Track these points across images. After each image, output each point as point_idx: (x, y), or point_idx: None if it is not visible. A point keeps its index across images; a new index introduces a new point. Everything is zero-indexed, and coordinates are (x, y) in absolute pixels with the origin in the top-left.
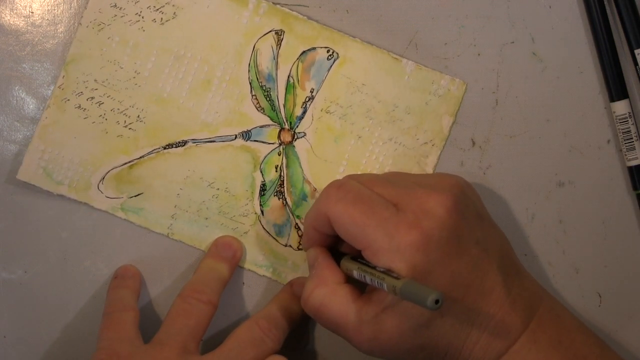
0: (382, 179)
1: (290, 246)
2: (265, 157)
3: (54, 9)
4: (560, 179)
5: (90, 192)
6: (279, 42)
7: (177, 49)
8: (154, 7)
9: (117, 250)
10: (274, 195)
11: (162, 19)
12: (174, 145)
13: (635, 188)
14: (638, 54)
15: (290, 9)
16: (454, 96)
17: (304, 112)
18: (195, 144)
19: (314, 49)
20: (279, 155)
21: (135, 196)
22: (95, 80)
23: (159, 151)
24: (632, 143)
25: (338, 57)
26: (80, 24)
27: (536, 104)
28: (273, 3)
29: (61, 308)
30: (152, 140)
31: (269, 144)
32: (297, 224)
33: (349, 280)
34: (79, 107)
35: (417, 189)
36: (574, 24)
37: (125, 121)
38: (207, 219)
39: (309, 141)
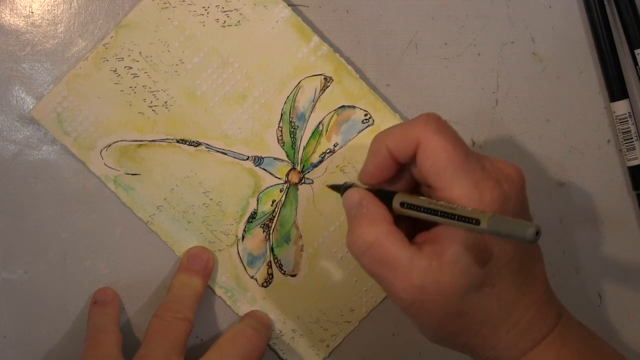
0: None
1: (256, 280)
2: (267, 188)
3: (54, 9)
4: (560, 179)
5: (92, 154)
6: (323, 88)
7: (228, 55)
8: (222, 8)
9: (118, 250)
10: (260, 227)
11: (225, 22)
12: (187, 143)
13: (635, 188)
14: (638, 54)
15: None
16: None
17: (320, 162)
18: (207, 149)
19: (353, 107)
20: (281, 192)
21: (132, 174)
22: (140, 53)
23: (171, 142)
24: (632, 143)
25: (373, 124)
26: None
27: (536, 104)
28: (289, 4)
29: (61, 308)
30: (169, 129)
31: (276, 177)
32: (270, 261)
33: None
34: (115, 71)
35: (494, 158)
36: (574, 24)
37: (152, 102)
38: (189, 222)
39: (314, 190)
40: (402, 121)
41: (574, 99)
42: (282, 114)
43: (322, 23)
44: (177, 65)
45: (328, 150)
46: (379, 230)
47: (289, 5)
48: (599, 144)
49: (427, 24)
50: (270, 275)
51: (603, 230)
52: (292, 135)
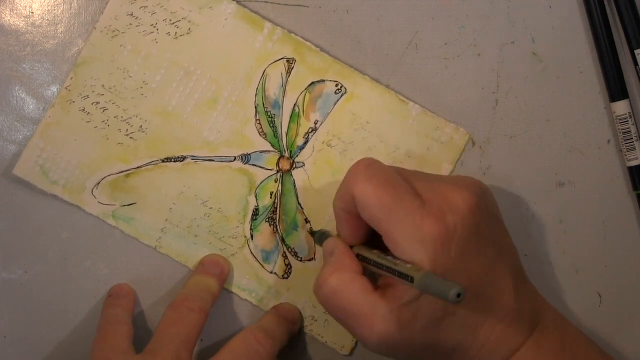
0: (407, 170)
1: (275, 273)
2: (262, 182)
3: (54, 9)
4: (560, 179)
5: (84, 196)
6: (289, 70)
7: (188, 64)
8: (170, 20)
9: (118, 250)
10: (266, 221)
11: (176, 33)
12: (172, 159)
13: (635, 188)
14: (638, 54)
15: (294, 8)
16: (456, 145)
17: (305, 143)
18: (194, 160)
19: (323, 81)
20: (276, 182)
21: (127, 205)
22: (103, 86)
23: (157, 163)
24: (632, 143)
25: (346, 92)
26: (95, 28)
27: (536, 104)
28: (276, 3)
29: (61, 308)
30: (151, 152)
31: (267, 169)
32: (284, 252)
33: (365, 272)
34: (83, 110)
35: (441, 184)
36: (574, 24)
37: (127, 129)
38: (196, 236)
39: (307, 172)
40: (372, 82)
41: (574, 99)
42: (256, 107)
43: (322, 23)
44: (141, 87)
45: (310, 129)
46: (341, 278)
47: (287, 5)
48: (599, 144)
49: (427, 24)
50: (288, 266)
51: (603, 230)
52: (271, 125)
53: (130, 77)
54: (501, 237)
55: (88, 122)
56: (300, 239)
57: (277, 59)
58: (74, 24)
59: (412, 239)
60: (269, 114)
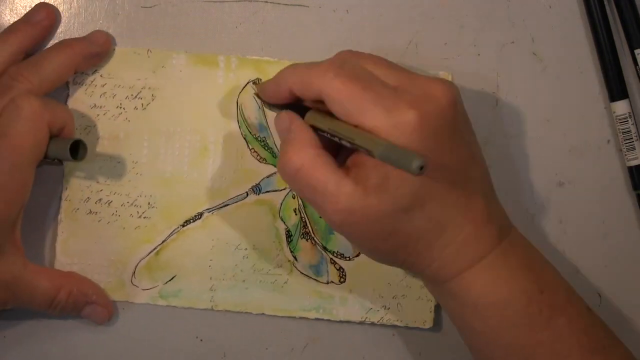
0: (384, 60)
1: (333, 282)
2: (281, 204)
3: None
4: (560, 179)
5: (126, 290)
6: None
7: (166, 127)
8: (132, 95)
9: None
10: (302, 238)
11: (142, 104)
12: (191, 220)
13: (635, 188)
14: (638, 54)
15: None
16: None
17: None
18: (210, 212)
19: None
20: (294, 198)
21: (169, 280)
22: (98, 182)
23: (178, 230)
24: (632, 143)
25: None
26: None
27: (536, 104)
28: (276, 3)
29: None
30: (169, 222)
31: (281, 190)
32: (331, 259)
33: (327, 148)
34: (90, 212)
35: (420, 76)
36: (574, 24)
37: (137, 212)
38: (244, 281)
39: None
40: None
41: (574, 99)
42: (245, 138)
43: (322, 23)
44: (133, 168)
45: None
46: (305, 156)
47: (286, 5)
48: (599, 144)
49: (427, 24)
50: (341, 270)
51: (603, 230)
52: (266, 148)
53: (119, 163)
54: (474, 143)
55: (99, 221)
56: (340, 241)
57: (243, 85)
58: (74, 24)
59: (385, 123)
60: (259, 139)
